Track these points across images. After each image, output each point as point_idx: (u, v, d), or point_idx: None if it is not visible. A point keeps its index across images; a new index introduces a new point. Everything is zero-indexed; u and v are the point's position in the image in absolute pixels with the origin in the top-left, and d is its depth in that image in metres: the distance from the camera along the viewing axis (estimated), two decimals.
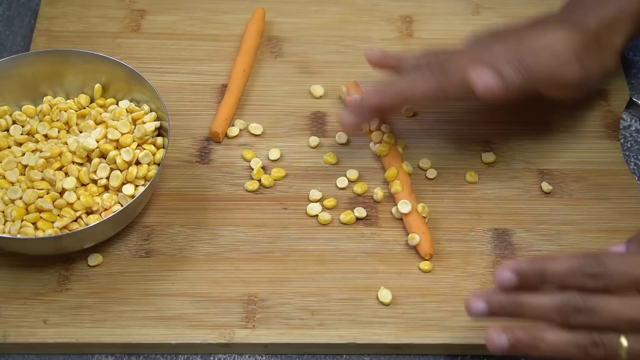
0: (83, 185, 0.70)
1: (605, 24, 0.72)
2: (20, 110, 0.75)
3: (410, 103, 0.77)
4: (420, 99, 0.71)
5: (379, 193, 0.73)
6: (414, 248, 0.71)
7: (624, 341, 0.55)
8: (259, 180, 0.75)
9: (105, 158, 0.70)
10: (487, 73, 0.68)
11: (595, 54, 0.71)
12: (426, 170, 0.75)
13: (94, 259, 0.70)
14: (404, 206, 0.71)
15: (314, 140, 0.77)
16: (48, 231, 0.67)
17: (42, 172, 0.69)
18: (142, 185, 0.70)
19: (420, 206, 0.72)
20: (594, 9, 0.73)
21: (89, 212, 0.69)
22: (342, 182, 0.74)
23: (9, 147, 0.72)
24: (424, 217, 0.71)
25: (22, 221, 0.67)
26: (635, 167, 0.78)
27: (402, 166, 0.74)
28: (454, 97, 0.73)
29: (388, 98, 0.71)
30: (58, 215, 0.68)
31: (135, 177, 0.70)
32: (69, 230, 0.67)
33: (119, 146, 0.71)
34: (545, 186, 0.75)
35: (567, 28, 0.71)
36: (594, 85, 0.77)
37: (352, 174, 0.75)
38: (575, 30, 0.71)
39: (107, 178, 0.70)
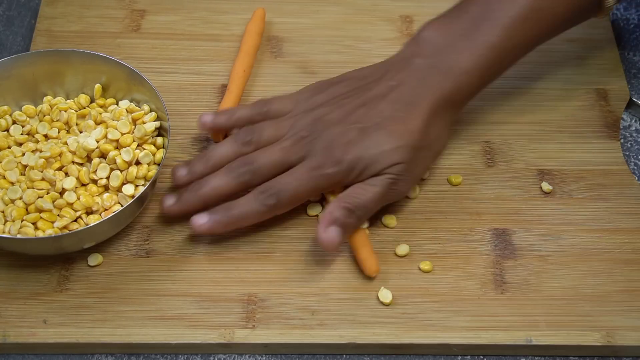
0: (83, 185, 0.70)
1: (452, 91, 0.69)
2: (20, 110, 0.75)
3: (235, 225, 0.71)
4: (249, 222, 0.69)
5: None
6: (414, 248, 0.71)
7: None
8: None
9: (105, 158, 0.70)
10: (334, 231, 0.67)
11: (426, 155, 0.70)
12: None
13: (94, 259, 0.70)
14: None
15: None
16: (48, 231, 0.67)
17: (42, 172, 0.69)
18: (142, 185, 0.70)
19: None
20: (446, 70, 0.69)
21: (89, 212, 0.69)
22: None
23: (9, 147, 0.72)
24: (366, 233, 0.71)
25: (22, 221, 0.67)
26: (635, 167, 0.78)
27: None
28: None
29: (213, 223, 0.68)
30: (58, 215, 0.68)
31: (135, 177, 0.70)
32: (69, 230, 0.67)
33: (119, 146, 0.71)
34: (545, 186, 0.75)
35: (394, 133, 0.67)
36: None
37: None
38: (404, 135, 0.67)
39: (107, 178, 0.70)
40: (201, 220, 0.68)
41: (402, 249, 0.70)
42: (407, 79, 0.69)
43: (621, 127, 0.80)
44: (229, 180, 0.68)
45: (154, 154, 0.71)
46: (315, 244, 0.70)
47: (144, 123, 0.72)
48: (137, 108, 0.74)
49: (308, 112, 0.70)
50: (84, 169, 0.70)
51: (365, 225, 0.71)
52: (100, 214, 0.69)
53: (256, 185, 0.69)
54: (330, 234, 0.67)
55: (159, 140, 0.73)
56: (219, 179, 0.69)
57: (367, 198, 0.68)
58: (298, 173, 0.68)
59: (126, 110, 0.74)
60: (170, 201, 0.70)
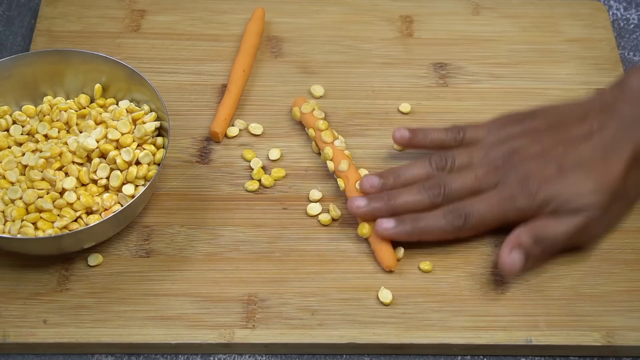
0: (83, 185, 0.70)
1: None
2: (20, 110, 0.75)
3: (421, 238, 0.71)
4: (431, 238, 0.70)
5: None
6: (415, 248, 0.71)
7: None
8: (259, 180, 0.75)
9: (105, 158, 0.70)
10: (517, 256, 0.67)
11: (622, 204, 0.70)
12: None
13: (94, 259, 0.70)
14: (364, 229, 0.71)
15: (326, 135, 0.76)
16: (48, 231, 0.67)
17: (42, 172, 0.69)
18: (142, 185, 0.70)
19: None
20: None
21: (89, 212, 0.69)
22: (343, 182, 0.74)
23: (9, 147, 0.72)
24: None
25: (22, 221, 0.67)
26: None
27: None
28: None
29: (399, 230, 0.69)
30: (58, 215, 0.68)
31: (135, 177, 0.70)
32: (69, 230, 0.67)
33: (119, 146, 0.71)
34: None
35: (594, 175, 0.67)
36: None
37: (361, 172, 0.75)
38: (604, 179, 0.67)
39: (107, 178, 0.70)
40: (388, 225, 0.69)
41: (398, 253, 0.70)
42: (609, 125, 0.68)
43: None
44: (421, 197, 0.69)
45: (154, 154, 0.71)
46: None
47: (144, 123, 0.72)
48: (137, 108, 0.74)
49: (502, 142, 0.70)
50: (84, 169, 0.70)
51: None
52: (100, 214, 0.69)
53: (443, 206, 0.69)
54: (513, 257, 0.67)
55: (159, 140, 0.73)
56: (412, 195, 0.69)
57: (558, 232, 0.67)
58: (489, 199, 0.68)
59: (126, 110, 0.74)
60: (361, 202, 0.70)
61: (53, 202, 0.68)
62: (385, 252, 0.69)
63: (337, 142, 0.74)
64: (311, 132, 0.76)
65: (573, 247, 0.70)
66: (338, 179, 0.73)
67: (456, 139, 0.73)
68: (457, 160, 0.71)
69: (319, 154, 0.76)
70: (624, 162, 0.67)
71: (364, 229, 0.70)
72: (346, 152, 0.74)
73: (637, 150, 0.68)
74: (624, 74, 0.71)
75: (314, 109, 0.76)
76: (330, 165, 0.73)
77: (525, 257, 0.67)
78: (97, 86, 0.75)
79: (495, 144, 0.71)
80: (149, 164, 0.70)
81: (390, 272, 0.70)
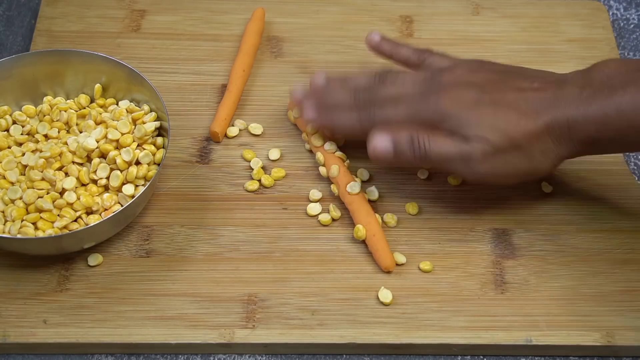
0: (83, 185, 0.70)
1: (570, 123, 0.66)
2: (20, 110, 0.75)
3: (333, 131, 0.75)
4: (341, 132, 0.74)
5: (375, 192, 0.74)
6: (414, 248, 0.71)
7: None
8: (259, 180, 0.75)
9: (105, 158, 0.70)
10: (385, 140, 0.68)
11: (519, 159, 0.67)
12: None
13: (94, 259, 0.70)
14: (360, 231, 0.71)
15: (315, 139, 0.77)
16: (48, 231, 0.67)
17: (42, 172, 0.69)
18: (142, 185, 0.70)
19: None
20: (584, 102, 0.65)
21: (89, 212, 0.69)
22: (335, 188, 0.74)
23: (9, 147, 0.72)
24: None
25: (22, 221, 0.67)
26: (635, 167, 0.78)
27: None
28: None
29: (319, 119, 0.73)
30: (58, 215, 0.68)
31: (135, 177, 0.70)
32: (69, 230, 0.67)
33: (119, 146, 0.71)
34: (545, 186, 0.75)
35: (504, 117, 0.66)
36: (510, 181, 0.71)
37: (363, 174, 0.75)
38: (510, 125, 0.66)
39: (107, 178, 0.70)
40: (311, 115, 0.73)
41: (399, 259, 0.70)
42: (548, 91, 0.67)
43: None
44: (347, 97, 0.71)
45: (154, 154, 0.71)
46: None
47: (144, 123, 0.72)
48: (137, 108, 0.74)
49: (450, 71, 0.70)
50: (84, 169, 0.70)
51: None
52: (100, 214, 0.69)
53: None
54: (385, 142, 0.68)
55: (159, 140, 0.73)
56: (341, 95, 0.72)
57: (439, 148, 0.68)
58: (401, 104, 0.69)
59: (126, 110, 0.74)
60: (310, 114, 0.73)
61: (53, 202, 0.68)
62: (383, 253, 0.69)
63: (327, 146, 0.74)
64: (304, 135, 0.76)
65: (450, 172, 0.72)
66: (331, 185, 0.73)
67: (419, 58, 0.74)
68: (399, 77, 0.71)
69: (312, 152, 0.76)
70: (539, 124, 0.66)
71: (359, 232, 0.70)
72: (337, 153, 0.74)
73: (556, 122, 0.66)
74: (593, 64, 0.69)
75: None
76: (323, 170, 0.74)
77: (395, 151, 0.68)
78: (97, 86, 0.75)
79: (444, 70, 0.71)
80: (149, 164, 0.70)
81: (389, 272, 0.70)
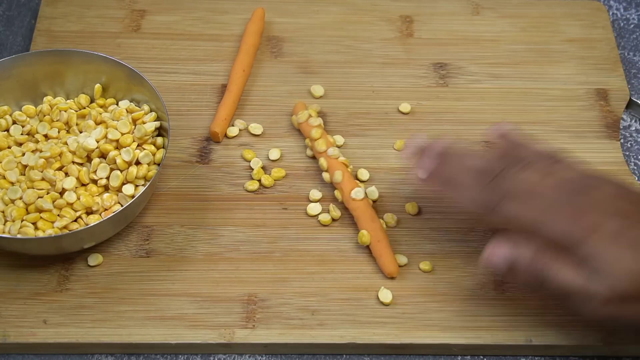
0: (83, 185, 0.70)
1: None
2: (20, 110, 0.75)
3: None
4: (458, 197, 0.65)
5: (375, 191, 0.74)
6: (414, 248, 0.71)
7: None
8: (259, 180, 0.75)
9: (105, 158, 0.70)
10: (504, 253, 0.61)
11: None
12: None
13: (94, 259, 0.70)
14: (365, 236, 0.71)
15: (319, 145, 0.76)
16: (48, 231, 0.67)
17: (42, 172, 0.69)
18: (142, 185, 0.70)
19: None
20: None
21: (89, 212, 0.69)
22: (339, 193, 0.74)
23: (9, 147, 0.72)
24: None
25: (22, 221, 0.67)
26: (635, 167, 0.78)
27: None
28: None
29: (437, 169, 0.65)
30: (58, 215, 0.68)
31: (135, 177, 0.70)
32: (69, 230, 0.67)
33: (119, 146, 0.71)
34: None
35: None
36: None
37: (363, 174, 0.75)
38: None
39: (107, 178, 0.70)
40: (429, 165, 0.65)
41: (401, 260, 0.70)
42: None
43: (621, 127, 0.80)
44: (480, 164, 0.64)
45: (154, 154, 0.71)
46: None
47: (144, 123, 0.72)
48: (137, 108, 0.74)
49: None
50: (84, 169, 0.70)
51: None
52: (100, 214, 0.69)
53: None
54: (501, 249, 0.61)
55: (159, 140, 0.73)
56: (472, 161, 0.64)
57: (562, 275, 0.59)
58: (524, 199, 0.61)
59: (126, 110, 0.74)
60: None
61: (53, 202, 0.68)
62: (387, 260, 0.69)
63: (330, 151, 0.74)
64: (307, 141, 0.76)
65: (555, 298, 0.64)
66: (335, 191, 0.73)
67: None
68: (537, 165, 0.63)
69: (314, 158, 0.76)
70: None
71: (364, 237, 0.70)
72: (341, 158, 0.74)
73: None
74: None
75: (309, 117, 0.76)
76: (326, 176, 0.73)
77: (510, 267, 0.61)
78: (97, 86, 0.75)
79: (590, 185, 0.62)
80: (149, 164, 0.70)
81: (392, 278, 0.69)
